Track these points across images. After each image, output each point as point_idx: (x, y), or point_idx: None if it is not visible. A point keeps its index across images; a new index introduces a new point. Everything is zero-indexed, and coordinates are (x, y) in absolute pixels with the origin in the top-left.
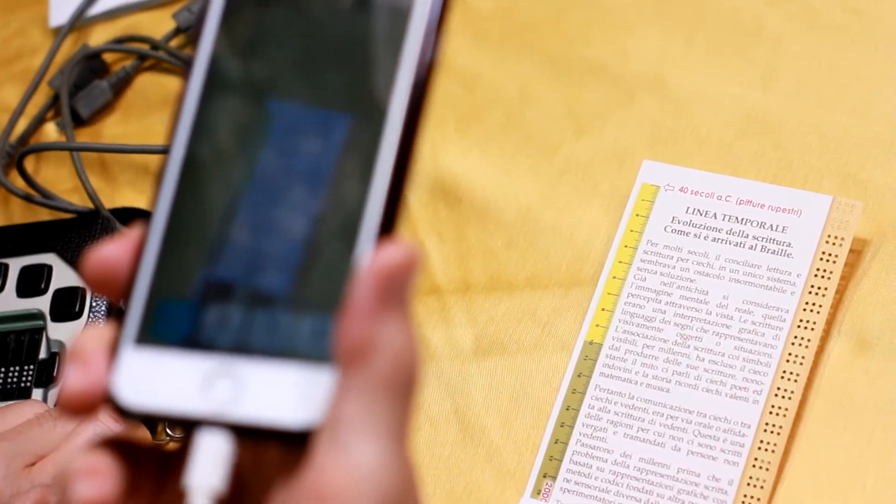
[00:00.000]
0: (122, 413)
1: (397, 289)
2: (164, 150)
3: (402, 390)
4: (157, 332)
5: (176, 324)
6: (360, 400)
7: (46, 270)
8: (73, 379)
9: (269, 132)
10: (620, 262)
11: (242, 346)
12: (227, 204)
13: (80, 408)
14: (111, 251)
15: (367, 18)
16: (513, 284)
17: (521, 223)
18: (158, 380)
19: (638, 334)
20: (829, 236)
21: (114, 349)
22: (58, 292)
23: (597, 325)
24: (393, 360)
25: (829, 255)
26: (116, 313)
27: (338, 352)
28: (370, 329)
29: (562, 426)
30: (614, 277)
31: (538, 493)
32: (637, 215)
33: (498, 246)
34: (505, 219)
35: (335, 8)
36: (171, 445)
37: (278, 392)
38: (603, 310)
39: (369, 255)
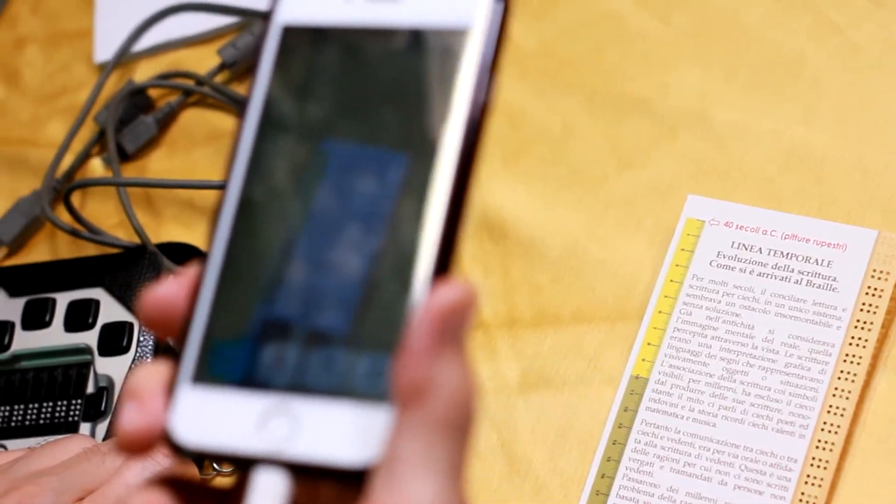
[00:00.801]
0: (179, 451)
1: (454, 328)
2: (212, 186)
3: (458, 429)
4: (213, 371)
5: (232, 362)
6: (417, 439)
7: (94, 305)
8: (131, 417)
9: (324, 172)
10: (666, 296)
11: (299, 385)
12: (284, 243)
13: (137, 446)
14: (168, 290)
15: (421, 58)
16: (558, 319)
17: (566, 258)
18: (215, 418)
19: (684, 369)
20: (874, 270)
21: (170, 387)
22: (105, 327)
23: (643, 360)
24: (450, 399)
25: (875, 289)
26: (165, 349)
27: (395, 391)
28: (428, 369)
29: (608, 461)
30: (660, 312)
31: None
32: (682, 250)
33: (543, 280)
34: (550, 253)
35: (389, 48)
36: (218, 480)
37: (335, 430)
38: (649, 344)
39: (426, 295)
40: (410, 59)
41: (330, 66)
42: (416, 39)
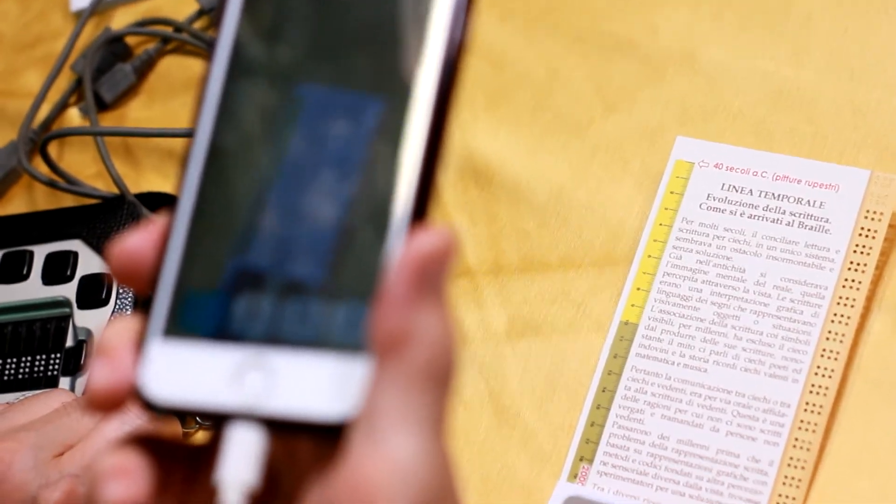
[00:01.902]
0: (150, 407)
1: (433, 276)
2: (189, 134)
3: (439, 380)
4: (185, 324)
5: (205, 315)
6: (396, 391)
7: (72, 257)
8: (99, 374)
9: (297, 117)
10: (655, 240)
11: (274, 337)
12: (256, 191)
13: (107, 403)
14: (136, 241)
15: None
16: (546, 265)
17: (552, 203)
18: (187, 373)
19: (674, 314)
20: (867, 211)
21: (141, 342)
22: (84, 279)
23: (632, 305)
24: (430, 350)
25: (868, 230)
26: (143, 303)
27: (373, 341)
28: (406, 318)
29: (598, 408)
30: (649, 256)
31: (574, 477)
32: (671, 192)
33: (530, 226)
34: (536, 199)
35: None
36: (201, 436)
37: (312, 383)
38: (638, 289)
39: (403, 242)
40: None
41: (300, 6)
42: None
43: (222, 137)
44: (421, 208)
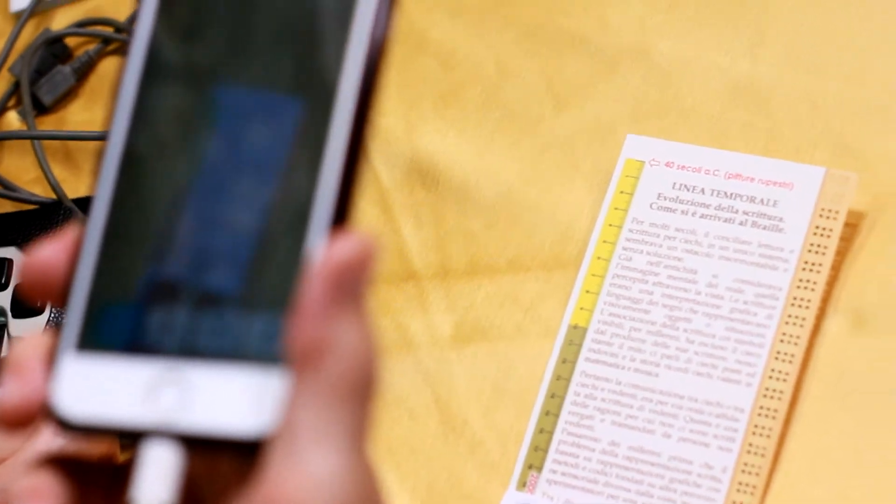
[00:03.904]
0: (63, 425)
1: (351, 284)
2: (103, 138)
3: (358, 392)
4: (98, 338)
5: (118, 328)
6: (314, 405)
7: (7, 265)
8: (10, 390)
9: (213, 119)
10: (605, 241)
11: (189, 350)
12: (171, 198)
13: (18, 421)
14: (48, 253)
15: None
16: (493, 268)
17: (501, 204)
18: (101, 389)
19: (624, 317)
20: (822, 209)
21: (52, 357)
22: (19, 287)
23: (581, 309)
24: (348, 361)
25: (824, 229)
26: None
27: (289, 354)
28: (323, 329)
29: (546, 415)
30: (599, 258)
31: (523, 486)
32: (621, 192)
33: (477, 228)
34: (484, 200)
35: None
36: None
37: (228, 398)
38: (587, 292)
39: (321, 249)
40: None
41: (217, 5)
42: None
43: (137, 142)
44: (340, 213)
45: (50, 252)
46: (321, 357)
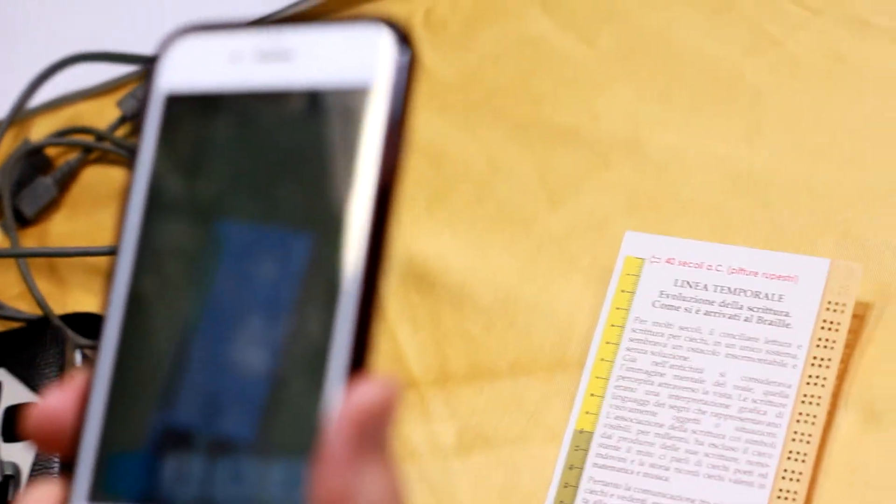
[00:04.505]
0: None
1: (375, 431)
2: (112, 252)
3: None
4: (110, 489)
5: (130, 478)
6: None
7: None
8: None
9: (220, 257)
10: (608, 342)
11: (206, 501)
12: (179, 341)
13: None
14: (54, 402)
15: (320, 124)
16: (494, 372)
17: (499, 304)
18: None
19: (631, 420)
20: (829, 303)
21: None
22: (8, 411)
23: (586, 413)
24: None
25: (831, 322)
26: (63, 466)
27: None
28: (347, 478)
29: None
30: (602, 360)
31: None
32: (622, 291)
33: (476, 330)
34: (482, 301)
35: (285, 114)
36: None
37: None
38: (592, 395)
39: (341, 395)
40: (309, 124)
41: (220, 138)
42: (313, 102)
43: (141, 284)
44: (359, 355)
45: (57, 399)
46: None
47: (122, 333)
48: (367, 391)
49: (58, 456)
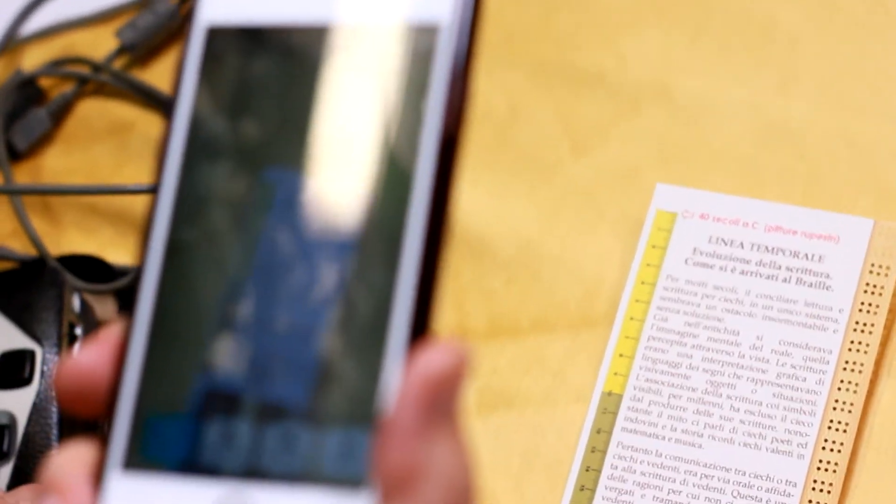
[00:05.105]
0: None
1: (444, 401)
2: (117, 191)
3: None
4: (149, 455)
5: (171, 444)
6: None
7: None
8: None
9: (270, 207)
10: (637, 300)
11: (254, 470)
12: (225, 297)
13: None
14: (88, 359)
15: (377, 61)
16: (516, 328)
17: (520, 257)
18: None
19: (663, 383)
20: (872, 265)
21: (99, 476)
22: (3, 356)
23: (615, 374)
24: (444, 486)
25: (874, 286)
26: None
27: (378, 479)
28: (416, 451)
29: (582, 490)
30: (631, 318)
31: None
32: (653, 247)
33: (497, 285)
34: (503, 253)
35: (338, 50)
36: None
37: None
38: (621, 356)
39: (406, 360)
40: (366, 63)
41: (268, 76)
42: (371, 38)
43: (182, 234)
44: (423, 318)
45: (90, 357)
46: (415, 484)
47: (161, 286)
48: (436, 357)
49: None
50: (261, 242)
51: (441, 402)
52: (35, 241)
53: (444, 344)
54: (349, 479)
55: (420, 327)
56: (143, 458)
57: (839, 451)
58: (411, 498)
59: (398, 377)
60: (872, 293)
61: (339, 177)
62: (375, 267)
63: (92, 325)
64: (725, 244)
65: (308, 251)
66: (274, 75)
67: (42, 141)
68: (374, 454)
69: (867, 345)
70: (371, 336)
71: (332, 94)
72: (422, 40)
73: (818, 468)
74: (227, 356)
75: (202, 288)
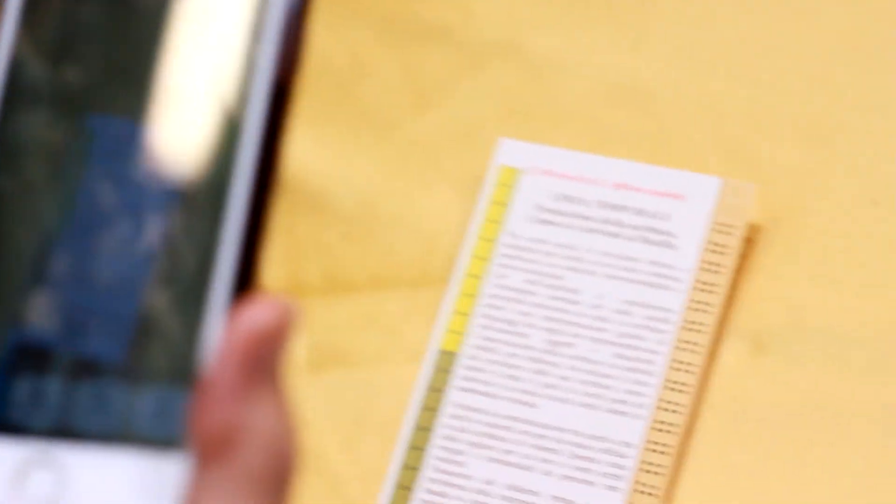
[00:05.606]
0: None
1: (267, 359)
2: None
3: (275, 483)
4: None
5: None
6: (224, 499)
7: None
8: None
9: (88, 155)
10: (477, 257)
11: (65, 429)
12: (39, 247)
13: None
14: None
15: (209, 3)
16: (353, 285)
17: (359, 213)
18: None
19: (500, 341)
20: (717, 224)
21: None
22: None
23: (452, 332)
24: (264, 449)
25: (719, 245)
26: None
27: (194, 440)
28: (235, 412)
29: (413, 449)
30: (471, 275)
31: None
32: (495, 203)
33: (334, 240)
34: (341, 208)
35: None
36: None
37: (113, 487)
38: (458, 313)
39: (227, 316)
40: (197, 9)
41: (94, 20)
42: None
43: None
44: (246, 273)
45: None
46: (234, 446)
47: None
48: (258, 313)
49: None
50: (79, 193)
51: (263, 361)
52: None
53: (269, 300)
54: (164, 441)
55: (244, 282)
56: None
57: (677, 412)
58: (229, 461)
59: (219, 334)
60: (717, 252)
61: (164, 125)
62: (200, 219)
63: None
64: (569, 201)
65: (130, 202)
66: (99, 20)
67: None
68: (192, 414)
69: (709, 304)
70: (193, 291)
71: (160, 40)
72: None
73: (656, 429)
74: (41, 311)
75: (16, 239)
